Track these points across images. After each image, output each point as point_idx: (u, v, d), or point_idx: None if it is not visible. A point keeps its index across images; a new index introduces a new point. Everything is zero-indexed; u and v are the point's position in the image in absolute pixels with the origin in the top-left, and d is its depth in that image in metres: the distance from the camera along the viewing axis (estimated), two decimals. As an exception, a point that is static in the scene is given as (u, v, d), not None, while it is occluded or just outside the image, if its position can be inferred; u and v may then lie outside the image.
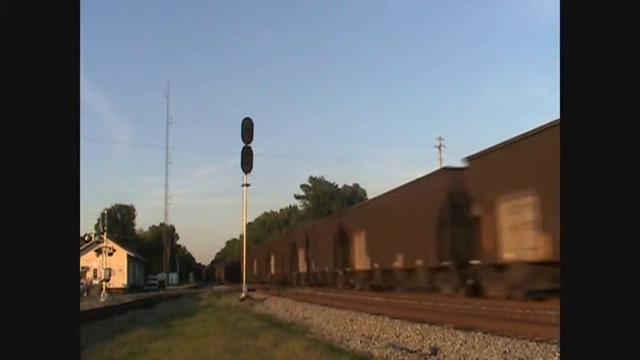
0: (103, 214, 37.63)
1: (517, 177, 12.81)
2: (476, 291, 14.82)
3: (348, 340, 8.19)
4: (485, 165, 14.49)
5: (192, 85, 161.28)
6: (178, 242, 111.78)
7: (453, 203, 16.04)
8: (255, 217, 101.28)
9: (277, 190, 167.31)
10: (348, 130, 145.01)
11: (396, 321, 10.10)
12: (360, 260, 23.76)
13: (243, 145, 24.77)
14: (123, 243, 59.84)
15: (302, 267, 35.10)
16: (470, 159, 15.37)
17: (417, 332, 8.46)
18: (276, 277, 45.04)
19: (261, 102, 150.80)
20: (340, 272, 26.90)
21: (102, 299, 28.35)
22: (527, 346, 6.52)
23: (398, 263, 19.63)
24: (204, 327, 10.65)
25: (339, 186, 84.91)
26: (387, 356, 6.59)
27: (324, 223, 33.75)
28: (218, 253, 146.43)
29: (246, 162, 24.73)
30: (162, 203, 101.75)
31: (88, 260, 40.32)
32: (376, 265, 21.95)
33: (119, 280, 47.81)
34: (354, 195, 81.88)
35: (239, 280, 31.38)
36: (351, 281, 25.56)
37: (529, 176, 12.29)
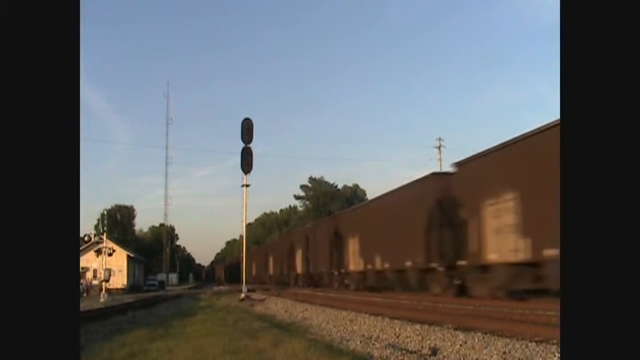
0: (102, 215, 37.66)
1: None
2: None
3: (348, 341, 8.19)
4: None
5: (192, 85, 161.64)
6: (178, 243, 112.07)
7: None
8: (255, 217, 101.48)
9: (277, 191, 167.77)
10: (348, 130, 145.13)
11: (395, 321, 10.10)
12: (500, 245, 13.60)
13: (243, 145, 24.80)
14: (123, 243, 59.88)
15: (354, 263, 24.74)
16: None
17: (417, 333, 8.45)
18: (305, 277, 34.81)
19: (261, 102, 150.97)
20: (440, 269, 16.99)
21: (102, 299, 28.33)
22: (527, 346, 6.52)
23: None
24: (203, 327, 10.65)
25: (339, 186, 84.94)
26: (386, 357, 6.59)
27: (405, 192, 19.72)
28: (218, 254, 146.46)
29: (246, 162, 24.73)
30: (162, 204, 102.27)
31: (88, 261, 40.38)
32: (549, 252, 11.50)
33: (119, 280, 47.83)
34: (354, 195, 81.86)
35: (239, 280, 31.24)
36: (458, 281, 16.23)
37: None
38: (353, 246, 24.86)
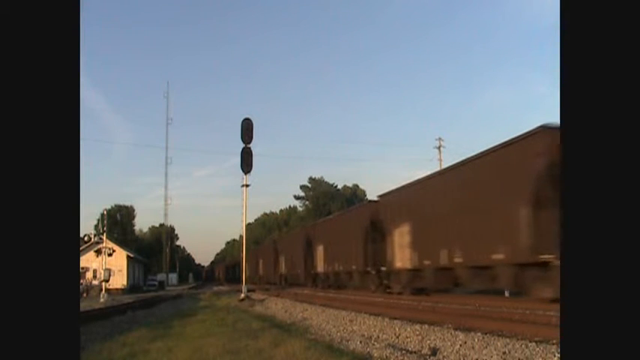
0: (102, 215, 37.61)
1: None
2: None
3: (348, 341, 8.18)
4: None
5: (192, 85, 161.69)
6: (178, 243, 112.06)
7: None
8: (255, 217, 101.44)
9: (277, 191, 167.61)
10: (348, 130, 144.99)
11: (395, 321, 10.09)
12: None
13: (243, 145, 24.76)
14: (122, 243, 59.87)
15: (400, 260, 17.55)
16: None
17: (417, 333, 8.45)
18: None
19: (261, 102, 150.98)
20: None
21: (101, 300, 28.32)
22: (527, 346, 6.52)
23: None
24: (203, 327, 10.65)
25: (339, 186, 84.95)
26: (386, 357, 6.58)
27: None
28: (218, 254, 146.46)
29: (246, 162, 24.69)
30: (162, 204, 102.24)
31: (88, 261, 40.39)
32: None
33: (119, 280, 47.81)
34: (353, 195, 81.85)
35: (240, 280, 31.10)
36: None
37: None
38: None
